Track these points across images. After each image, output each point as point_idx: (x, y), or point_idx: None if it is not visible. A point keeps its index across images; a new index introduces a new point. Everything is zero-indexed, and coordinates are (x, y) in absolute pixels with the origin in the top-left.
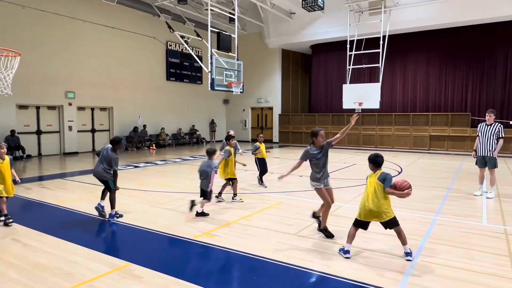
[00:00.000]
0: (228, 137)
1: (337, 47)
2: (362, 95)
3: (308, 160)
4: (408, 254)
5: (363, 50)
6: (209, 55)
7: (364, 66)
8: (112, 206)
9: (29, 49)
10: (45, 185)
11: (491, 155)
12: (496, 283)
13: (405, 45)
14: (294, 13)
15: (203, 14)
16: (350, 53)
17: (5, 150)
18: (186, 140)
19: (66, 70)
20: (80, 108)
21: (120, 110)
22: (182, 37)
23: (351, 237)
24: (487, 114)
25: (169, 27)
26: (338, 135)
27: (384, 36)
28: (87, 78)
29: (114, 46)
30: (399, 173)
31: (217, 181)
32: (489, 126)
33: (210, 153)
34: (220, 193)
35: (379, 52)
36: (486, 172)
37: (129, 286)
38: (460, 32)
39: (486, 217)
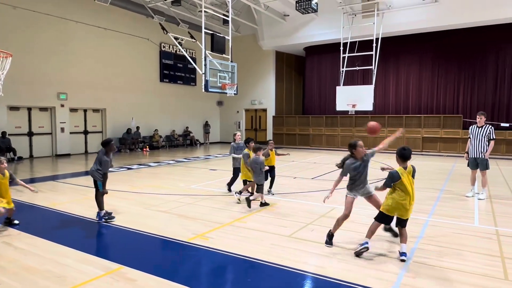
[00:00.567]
0: (248, 140)
1: (331, 49)
2: (355, 97)
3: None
4: (402, 254)
5: (356, 53)
6: (203, 56)
7: (358, 68)
8: (99, 207)
9: (21, 50)
10: (36, 187)
11: (483, 156)
12: (488, 283)
13: (398, 47)
14: (288, 15)
15: (197, 16)
16: (344, 55)
17: (6, 165)
18: (180, 142)
19: (58, 71)
20: (73, 110)
21: (113, 112)
22: (176, 38)
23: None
24: (478, 116)
25: (163, 28)
26: (381, 145)
27: (377, 39)
28: (80, 79)
29: (107, 47)
30: None
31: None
32: (480, 128)
33: (256, 150)
34: (240, 192)
35: (372, 54)
36: (477, 173)
37: None
38: (452, 35)
39: (478, 218)
